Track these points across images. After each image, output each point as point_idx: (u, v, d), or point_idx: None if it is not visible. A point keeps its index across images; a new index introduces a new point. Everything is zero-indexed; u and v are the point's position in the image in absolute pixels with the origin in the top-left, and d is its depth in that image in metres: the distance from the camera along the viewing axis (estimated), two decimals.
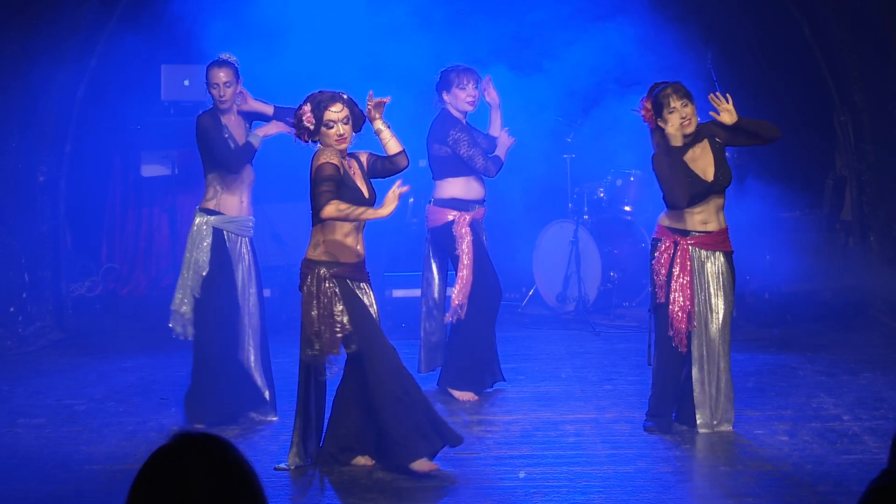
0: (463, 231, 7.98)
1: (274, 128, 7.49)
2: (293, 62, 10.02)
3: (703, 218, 6.98)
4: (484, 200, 8.15)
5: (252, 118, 7.58)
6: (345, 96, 6.31)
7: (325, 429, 6.52)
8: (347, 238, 6.32)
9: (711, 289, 6.97)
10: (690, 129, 6.87)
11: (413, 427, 6.28)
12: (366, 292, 6.41)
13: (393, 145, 6.37)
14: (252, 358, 7.38)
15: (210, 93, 7.42)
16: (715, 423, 6.97)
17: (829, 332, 9.93)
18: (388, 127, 6.38)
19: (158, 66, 10.98)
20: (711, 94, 6.93)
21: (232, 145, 7.35)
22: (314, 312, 6.24)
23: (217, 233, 7.37)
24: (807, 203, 11.19)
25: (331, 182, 6.14)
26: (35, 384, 8.64)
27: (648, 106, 6.92)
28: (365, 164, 6.47)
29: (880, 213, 10.59)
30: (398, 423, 6.27)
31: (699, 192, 6.91)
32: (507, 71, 9.38)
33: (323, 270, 6.26)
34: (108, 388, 8.48)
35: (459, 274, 7.96)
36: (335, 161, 6.22)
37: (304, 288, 6.31)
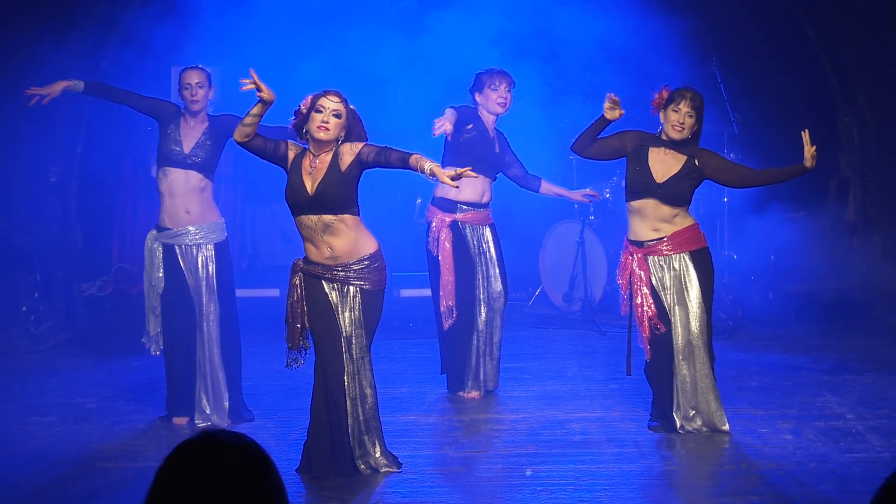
0: (441, 233, 7.97)
1: None
2: (303, 65, 10.06)
3: (651, 225, 7.00)
4: (479, 205, 8.02)
5: (228, 132, 7.28)
6: (350, 105, 6.22)
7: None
8: (308, 243, 6.25)
9: (676, 292, 6.96)
10: (678, 136, 6.92)
11: (311, 440, 6.30)
12: (347, 294, 6.24)
13: (414, 160, 6.03)
14: (208, 367, 7.34)
15: (182, 94, 7.39)
16: (700, 422, 6.96)
17: (833, 332, 9.93)
18: (427, 166, 6.01)
19: (168, 68, 11.01)
20: (804, 133, 6.95)
21: (174, 148, 7.32)
22: (289, 302, 6.29)
23: (167, 248, 7.37)
24: (811, 203, 11.20)
25: (272, 139, 6.23)
26: (47, 383, 8.66)
27: (664, 94, 6.99)
28: (344, 159, 6.16)
29: (884, 214, 10.59)
30: (315, 433, 6.29)
31: (640, 186, 6.96)
32: (515, 75, 9.40)
33: (300, 263, 6.30)
34: (119, 387, 8.50)
35: (441, 278, 7.96)
36: (288, 146, 6.23)
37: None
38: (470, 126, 7.91)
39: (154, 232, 7.44)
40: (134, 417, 7.66)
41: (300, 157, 6.24)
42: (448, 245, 7.95)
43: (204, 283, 7.33)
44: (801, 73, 11.32)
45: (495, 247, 8.13)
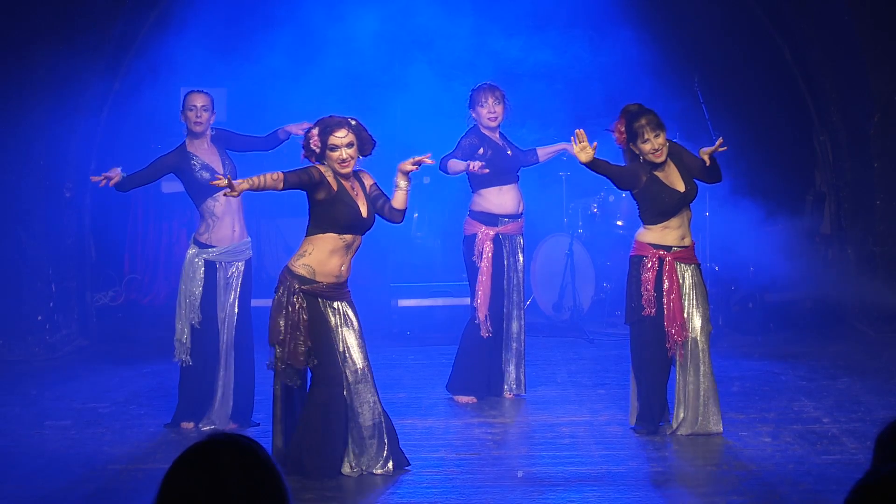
0: (485, 246, 7.96)
1: (296, 128, 7.43)
2: (310, 85, 10.07)
3: (681, 233, 7.00)
4: (518, 215, 8.04)
5: (229, 146, 7.49)
6: (352, 122, 6.22)
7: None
8: (332, 257, 6.20)
9: (692, 298, 6.97)
10: (661, 159, 6.90)
11: (315, 450, 6.23)
12: (339, 312, 6.24)
13: (401, 202, 6.29)
14: (222, 373, 7.35)
15: (186, 115, 7.42)
16: (699, 424, 6.96)
17: (809, 340, 9.94)
18: (407, 187, 6.29)
19: (178, 89, 11.02)
20: (719, 141, 6.93)
21: (206, 174, 7.31)
22: (281, 322, 6.17)
23: (209, 264, 7.38)
24: (788, 217, 11.21)
25: (297, 171, 6.12)
26: (61, 388, 8.65)
27: (622, 129, 6.93)
28: (367, 187, 6.37)
29: (857, 227, 10.61)
30: (308, 439, 6.23)
31: (675, 204, 6.93)
32: (504, 93, 9.40)
33: (296, 284, 6.17)
34: (131, 392, 8.49)
35: (479, 288, 7.94)
36: (321, 171, 6.17)
37: (276, 296, 6.24)
38: (481, 151, 7.91)
39: (195, 248, 7.39)
40: (145, 422, 7.65)
41: (338, 178, 6.23)
42: (490, 257, 7.95)
43: (232, 293, 7.38)
44: (779, 93, 11.34)
45: (524, 255, 8.14)
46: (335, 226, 6.19)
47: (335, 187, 6.18)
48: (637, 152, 6.91)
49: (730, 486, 6.06)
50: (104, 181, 7.34)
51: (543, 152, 8.30)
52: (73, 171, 10.29)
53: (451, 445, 7.01)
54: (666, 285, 6.90)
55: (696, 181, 7.05)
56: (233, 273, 7.42)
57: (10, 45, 9.69)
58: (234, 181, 6.04)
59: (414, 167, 6.28)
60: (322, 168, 6.22)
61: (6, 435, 7.35)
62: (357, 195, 6.27)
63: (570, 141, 8.08)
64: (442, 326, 10.42)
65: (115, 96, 10.53)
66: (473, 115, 8.01)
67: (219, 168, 7.37)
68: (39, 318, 10.00)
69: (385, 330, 10.38)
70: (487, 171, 7.80)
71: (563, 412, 7.72)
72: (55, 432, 7.41)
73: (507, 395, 8.10)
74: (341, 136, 6.16)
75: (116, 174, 7.35)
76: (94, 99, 10.25)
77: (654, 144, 6.85)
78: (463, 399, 8.02)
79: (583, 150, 6.73)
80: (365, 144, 6.26)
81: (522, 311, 8.13)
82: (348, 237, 6.21)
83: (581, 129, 6.75)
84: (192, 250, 7.41)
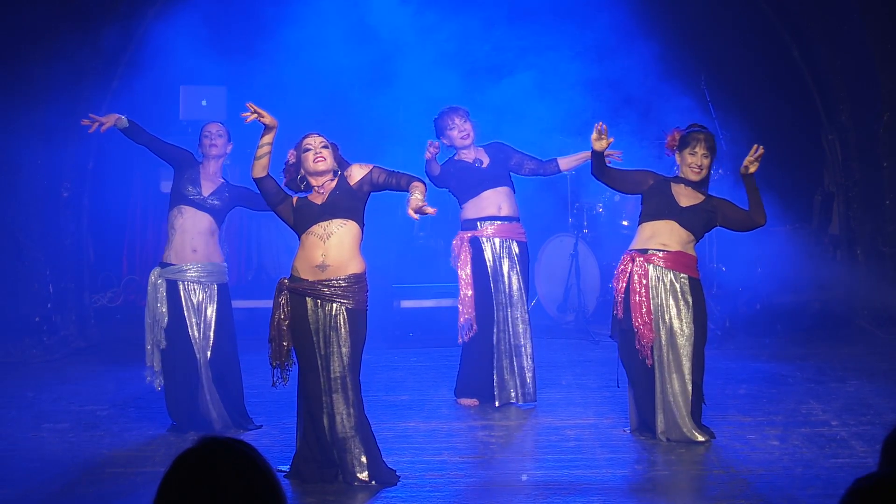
0: (461, 250, 7.98)
1: None
2: (305, 84, 10.07)
3: (662, 241, 6.96)
4: (501, 217, 8.03)
5: (240, 201, 7.51)
6: (331, 142, 6.40)
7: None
8: (310, 250, 6.21)
9: (671, 305, 6.92)
10: (695, 178, 6.93)
11: (308, 457, 6.26)
12: (330, 314, 6.17)
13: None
14: (205, 391, 7.33)
15: (201, 143, 7.51)
16: (680, 432, 6.91)
17: (817, 342, 9.94)
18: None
19: (177, 87, 11.04)
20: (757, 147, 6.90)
21: (191, 189, 7.36)
22: (274, 319, 6.24)
23: (171, 284, 7.35)
24: (797, 218, 11.22)
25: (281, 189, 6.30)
26: (59, 390, 8.66)
27: (676, 136, 7.00)
28: (355, 182, 6.34)
29: (866, 228, 10.61)
30: (303, 447, 6.29)
31: (663, 209, 6.93)
32: (511, 92, 9.42)
33: (285, 281, 6.26)
34: (129, 395, 8.50)
35: (460, 292, 7.97)
36: (292, 198, 6.33)
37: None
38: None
39: (158, 269, 7.42)
40: (143, 425, 7.65)
41: (303, 197, 6.34)
42: (467, 261, 7.95)
43: (203, 321, 7.34)
44: (787, 92, 11.35)
45: (521, 261, 8.03)
46: (300, 228, 6.28)
47: (294, 202, 6.32)
48: (679, 161, 6.98)
49: (737, 490, 6.06)
50: (96, 125, 7.37)
51: (566, 162, 8.22)
52: (70, 171, 10.30)
53: (455, 448, 7.01)
54: (633, 285, 6.91)
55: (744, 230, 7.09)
56: (201, 299, 7.35)
57: (6, 44, 9.70)
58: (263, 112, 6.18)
59: (410, 211, 6.17)
60: (294, 197, 6.35)
61: (3, 438, 7.35)
62: (322, 193, 6.30)
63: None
64: (445, 328, 10.41)
65: (113, 95, 10.53)
66: (445, 140, 8.06)
67: (205, 192, 7.41)
68: (37, 319, 10.01)
69: (387, 331, 10.39)
70: (436, 151, 7.88)
71: (567, 415, 7.72)
72: (53, 435, 7.42)
73: (466, 401, 8.06)
74: (316, 138, 6.36)
75: (111, 119, 7.35)
76: (92, 98, 10.26)
77: (698, 160, 6.91)
78: (465, 402, 8.03)
79: (599, 139, 6.81)
80: (339, 161, 6.40)
81: (514, 319, 7.96)
82: (315, 227, 6.22)
83: (604, 124, 6.82)
84: (155, 271, 7.43)
